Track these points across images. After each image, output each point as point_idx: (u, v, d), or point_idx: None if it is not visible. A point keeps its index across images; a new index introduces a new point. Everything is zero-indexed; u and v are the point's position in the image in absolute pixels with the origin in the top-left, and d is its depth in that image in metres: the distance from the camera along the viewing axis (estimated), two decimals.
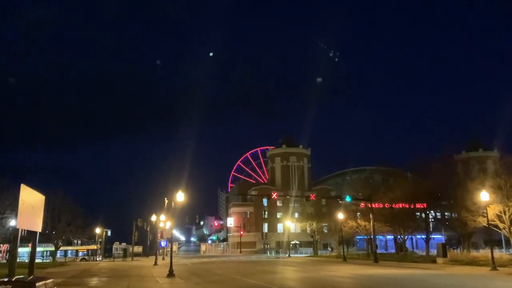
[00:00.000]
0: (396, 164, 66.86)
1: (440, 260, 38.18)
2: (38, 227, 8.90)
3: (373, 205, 45.42)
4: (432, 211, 57.71)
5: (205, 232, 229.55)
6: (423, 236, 65.89)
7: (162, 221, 57.00)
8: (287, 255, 79.27)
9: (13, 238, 7.03)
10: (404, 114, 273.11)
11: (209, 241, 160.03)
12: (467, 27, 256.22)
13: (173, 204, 30.41)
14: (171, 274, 28.58)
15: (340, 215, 52.52)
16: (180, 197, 29.48)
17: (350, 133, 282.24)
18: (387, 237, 74.81)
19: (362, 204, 56.06)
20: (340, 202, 57.25)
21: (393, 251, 72.48)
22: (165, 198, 31.16)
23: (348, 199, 46.29)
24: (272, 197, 47.78)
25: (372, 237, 60.37)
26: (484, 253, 42.20)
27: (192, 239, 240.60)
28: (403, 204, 49.01)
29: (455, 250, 52.05)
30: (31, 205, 8.16)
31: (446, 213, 62.94)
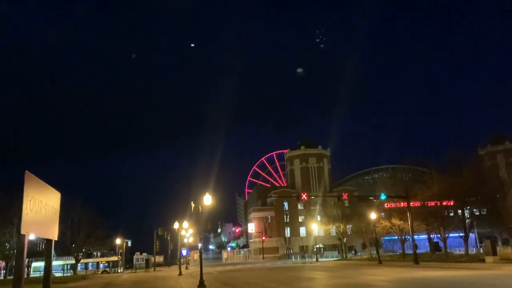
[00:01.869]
0: (418, 162, 63.81)
1: (489, 258, 35.01)
2: (53, 233, 6.49)
3: (411, 203, 42.58)
4: (467, 208, 54.21)
5: (223, 239, 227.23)
6: (456, 234, 62.70)
7: (185, 229, 54.77)
8: (313, 259, 76.31)
9: (17, 247, 4.98)
10: (422, 112, 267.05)
11: (229, 248, 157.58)
12: (480, 21, 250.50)
13: (200, 208, 27.95)
14: (201, 284, 26.12)
15: (373, 215, 49.55)
16: (208, 200, 27.13)
17: (369, 133, 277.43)
18: (419, 236, 71.06)
19: (389, 203, 53.31)
20: (373, 200, 54.27)
21: (424, 251, 69.12)
22: (192, 202, 28.65)
23: (383, 197, 43.37)
24: (302, 198, 45.17)
25: (406, 237, 57.70)
26: None
27: (211, 247, 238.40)
28: (444, 202, 45.91)
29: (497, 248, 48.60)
30: (42, 203, 5.74)
31: (474, 210, 59.57)
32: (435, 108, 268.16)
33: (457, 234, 71.95)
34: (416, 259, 40.14)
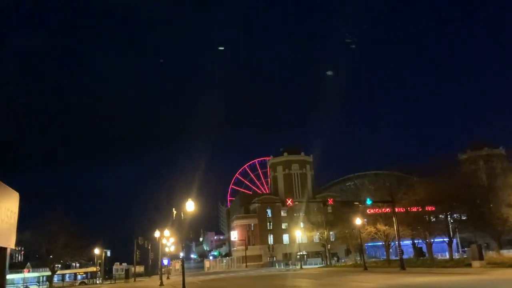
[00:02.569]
0: (401, 168, 63.85)
1: (476, 263, 34.67)
2: (9, 241, 5.36)
3: (396, 209, 42.12)
4: (450, 213, 54.20)
5: (205, 248, 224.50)
6: (439, 240, 62.82)
7: (166, 237, 53.20)
8: (297, 267, 75.33)
9: None
10: (403, 118, 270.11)
11: (211, 257, 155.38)
12: (466, 29, 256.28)
13: (182, 215, 26.75)
14: None
15: (358, 221, 49.00)
16: (190, 206, 25.99)
17: (352, 139, 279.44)
18: (403, 242, 70.87)
19: (373, 209, 52.97)
20: (357, 206, 53.72)
21: (407, 256, 68.89)
22: (174, 209, 27.43)
23: (368, 202, 42.83)
24: (287, 204, 44.19)
25: (390, 243, 57.33)
26: None
27: (193, 256, 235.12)
28: (428, 207, 45.71)
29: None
30: None
31: (455, 215, 59.75)
32: (419, 114, 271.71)
33: (440, 239, 72.34)
34: (403, 265, 39.60)
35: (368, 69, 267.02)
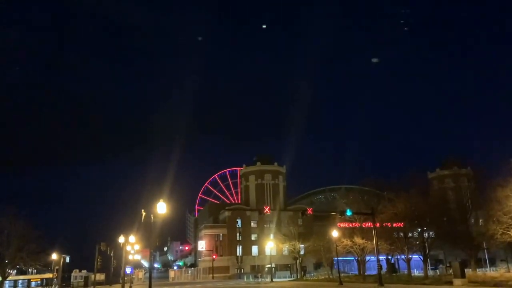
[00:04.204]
0: (373, 184, 63.04)
1: (458, 281, 33.38)
2: None
3: (367, 224, 40.98)
4: (425, 229, 53.31)
5: (170, 258, 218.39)
6: (410, 256, 62.17)
7: (131, 244, 49.80)
8: (267, 279, 72.91)
9: None
10: (377, 133, 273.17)
11: (175, 267, 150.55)
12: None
13: (152, 217, 24.05)
14: None
15: (335, 233, 47.21)
16: (162, 208, 23.37)
17: (324, 154, 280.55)
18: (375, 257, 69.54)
19: (344, 223, 51.87)
20: (331, 219, 52.29)
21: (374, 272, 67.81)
22: (142, 210, 24.67)
23: (348, 213, 41.12)
24: (264, 211, 42.18)
25: (366, 257, 55.91)
26: (503, 272, 37.80)
27: (156, 265, 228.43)
28: (395, 224, 44.70)
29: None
30: None
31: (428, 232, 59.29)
32: (391, 131, 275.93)
33: (411, 256, 71.75)
34: (381, 280, 38.01)
35: (338, 84, 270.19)
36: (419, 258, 53.90)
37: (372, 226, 48.61)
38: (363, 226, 49.37)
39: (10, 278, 63.70)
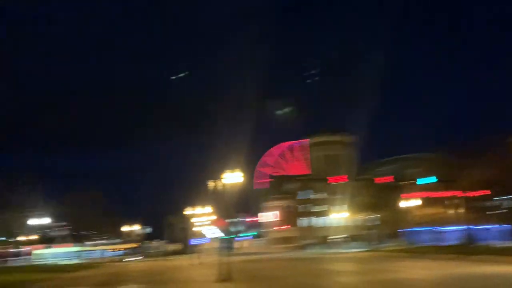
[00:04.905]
0: (448, 150, 58.28)
1: None
2: None
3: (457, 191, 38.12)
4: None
5: (237, 229, 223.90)
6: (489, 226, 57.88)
7: (201, 215, 50.73)
8: (335, 250, 71.80)
9: None
10: (458, 99, 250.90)
11: (241, 238, 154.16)
12: None
13: (224, 187, 23.53)
14: (225, 277, 21.77)
15: (412, 202, 44.59)
16: (237, 177, 22.74)
17: (398, 121, 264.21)
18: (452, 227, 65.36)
19: (428, 192, 48.96)
20: (405, 188, 49.77)
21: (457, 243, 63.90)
22: (213, 181, 24.24)
23: (432, 180, 38.42)
24: (336, 181, 40.33)
25: (445, 227, 52.83)
26: None
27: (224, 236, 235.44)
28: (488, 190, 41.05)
29: None
30: None
31: None
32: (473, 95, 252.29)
33: (490, 226, 66.83)
34: (465, 251, 35.34)
35: (414, 46, 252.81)
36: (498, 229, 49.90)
37: (452, 194, 45.62)
38: (442, 195, 46.33)
39: (96, 247, 68.57)
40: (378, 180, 38.94)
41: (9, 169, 57.60)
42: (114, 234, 78.84)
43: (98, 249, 73.23)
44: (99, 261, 64.30)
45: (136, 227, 74.39)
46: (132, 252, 74.47)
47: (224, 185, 24.23)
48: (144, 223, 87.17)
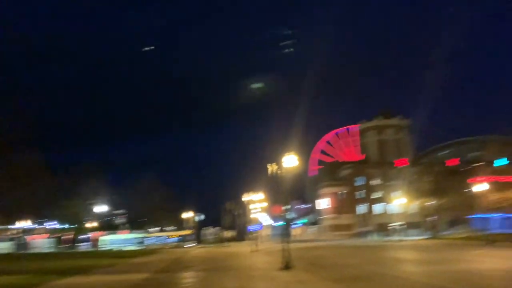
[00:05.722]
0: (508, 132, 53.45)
1: None
2: None
3: None
4: None
5: (291, 216, 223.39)
6: None
7: (257, 201, 50.44)
8: (395, 238, 69.19)
9: None
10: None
11: (296, 225, 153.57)
12: None
13: (281, 171, 22.70)
14: (287, 265, 21.03)
15: (482, 187, 41.56)
16: (292, 161, 21.84)
17: (453, 103, 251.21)
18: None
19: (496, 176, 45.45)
20: (472, 172, 46.48)
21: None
22: (270, 165, 23.46)
23: (503, 162, 35.55)
24: (396, 165, 38.28)
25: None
26: None
27: (281, 223, 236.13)
28: None
29: None
30: None
31: None
32: None
33: None
34: None
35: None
36: None
37: None
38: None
39: (153, 234, 70.53)
40: (442, 164, 36.01)
41: (72, 164, 61.26)
42: (171, 221, 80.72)
43: (156, 236, 75.37)
44: (158, 247, 66.28)
45: (191, 214, 75.75)
46: (188, 238, 76.01)
47: (281, 170, 23.38)
48: (198, 210, 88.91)
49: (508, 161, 36.63)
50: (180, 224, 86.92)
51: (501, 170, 45.48)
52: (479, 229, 71.83)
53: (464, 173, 58.91)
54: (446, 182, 63.42)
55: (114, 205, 73.33)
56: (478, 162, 54.51)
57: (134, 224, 76.89)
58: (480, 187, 42.01)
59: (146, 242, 69.56)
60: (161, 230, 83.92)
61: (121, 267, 26.32)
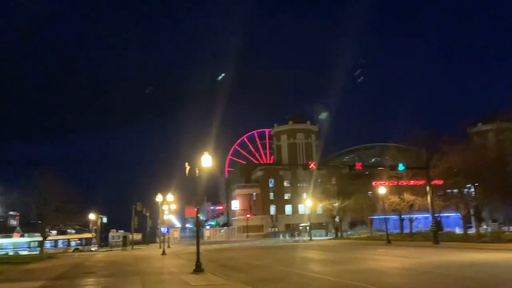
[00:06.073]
0: (408, 141, 58.92)
1: None
2: None
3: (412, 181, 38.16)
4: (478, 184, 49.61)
5: (202, 218, 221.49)
6: (452, 214, 59.36)
7: (169, 202, 48.70)
8: (304, 238, 71.71)
9: None
10: (414, 89, 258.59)
11: (207, 227, 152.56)
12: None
13: (197, 171, 21.86)
14: (198, 268, 20.21)
15: (383, 189, 44.44)
16: (207, 161, 21.13)
17: (359, 110, 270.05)
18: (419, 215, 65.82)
19: (391, 181, 49.29)
20: (376, 175, 49.45)
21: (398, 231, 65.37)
22: (186, 164, 22.52)
23: (401, 167, 38.25)
24: (310, 166, 39.36)
25: (414, 215, 53.38)
26: None
27: (188, 225, 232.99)
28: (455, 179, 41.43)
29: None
30: None
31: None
32: (427, 88, 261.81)
33: (450, 214, 68.46)
34: (436, 238, 35.40)
35: (381, 35, 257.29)
36: (458, 216, 51.20)
37: (419, 183, 45.86)
38: (410, 183, 46.61)
39: (50, 238, 64.66)
40: (354, 165, 38.01)
41: None
42: (73, 223, 75.20)
43: (55, 239, 69.53)
44: (57, 252, 61.05)
45: (95, 216, 71.33)
46: (92, 242, 71.32)
47: (195, 170, 22.55)
48: (105, 212, 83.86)
49: (404, 167, 39.39)
50: (84, 227, 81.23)
51: (398, 175, 49.06)
52: (378, 230, 77.51)
53: (366, 177, 62.75)
54: (350, 185, 67.13)
55: (8, 206, 66.51)
56: (378, 167, 58.33)
57: (31, 226, 70.27)
58: (380, 190, 44.88)
59: (46, 245, 63.71)
60: (62, 233, 77.78)
61: (10, 275, 23.34)
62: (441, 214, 60.10)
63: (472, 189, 50.02)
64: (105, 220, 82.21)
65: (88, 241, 69.81)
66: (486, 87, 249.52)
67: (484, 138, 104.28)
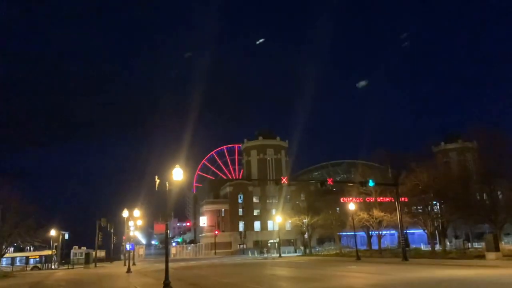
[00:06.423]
0: (375, 158, 60.23)
1: (491, 255, 31.05)
2: None
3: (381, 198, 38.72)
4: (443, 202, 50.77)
5: (169, 234, 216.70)
6: (419, 231, 60.31)
7: (135, 218, 47.16)
8: (273, 255, 71.06)
9: None
10: (382, 107, 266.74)
11: (173, 244, 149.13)
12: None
13: (167, 185, 21.16)
14: (167, 286, 19.37)
15: (352, 206, 44.69)
16: (178, 174, 20.51)
17: (326, 128, 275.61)
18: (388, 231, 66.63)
19: (358, 198, 49.96)
20: (345, 191, 49.69)
21: (389, 247, 66.28)
22: (156, 177, 21.76)
23: (371, 183, 38.56)
24: (282, 181, 39.11)
25: (381, 232, 53.84)
26: None
27: (153, 242, 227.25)
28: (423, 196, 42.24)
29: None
30: None
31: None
32: (396, 106, 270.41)
33: (415, 231, 69.78)
34: (405, 255, 35.69)
35: (346, 58, 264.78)
36: (423, 233, 52.08)
37: (387, 200, 46.49)
38: (378, 199, 47.20)
39: (7, 255, 61.22)
40: (325, 181, 38.02)
41: None
42: (31, 240, 71.68)
43: (12, 256, 65.96)
44: (13, 270, 57.78)
45: (56, 232, 68.22)
46: (52, 259, 68.11)
47: (166, 184, 21.84)
48: (67, 228, 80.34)
49: (374, 183, 39.83)
50: (45, 243, 77.50)
51: (367, 192, 49.60)
52: (346, 246, 77.96)
53: (335, 193, 63.20)
54: (319, 201, 67.39)
55: None
56: (349, 183, 58.89)
57: None
58: (350, 206, 45.17)
59: (0, 263, 60.17)
60: (19, 250, 73.87)
61: None
62: (407, 231, 61.23)
63: (438, 206, 51.09)
64: (67, 236, 78.77)
65: (48, 259, 66.65)
66: (448, 107, 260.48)
67: (447, 156, 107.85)
